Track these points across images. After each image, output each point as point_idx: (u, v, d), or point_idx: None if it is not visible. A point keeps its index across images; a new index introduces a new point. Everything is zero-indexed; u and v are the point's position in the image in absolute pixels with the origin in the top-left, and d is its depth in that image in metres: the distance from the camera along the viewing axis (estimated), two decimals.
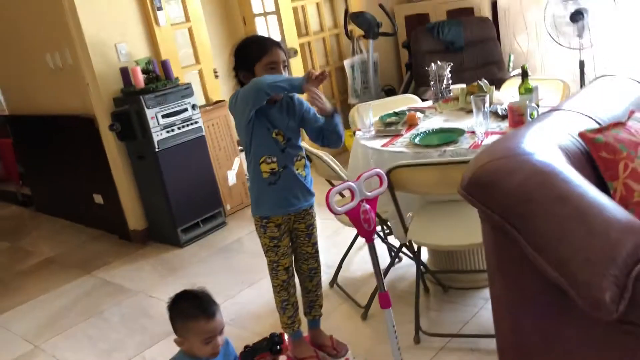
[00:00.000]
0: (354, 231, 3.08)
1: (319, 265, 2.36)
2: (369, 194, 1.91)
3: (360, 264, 3.29)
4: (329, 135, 2.16)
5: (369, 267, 3.08)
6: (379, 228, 3.10)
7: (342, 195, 2.59)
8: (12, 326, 3.31)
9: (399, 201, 2.51)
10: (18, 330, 3.24)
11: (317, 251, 2.33)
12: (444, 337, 2.48)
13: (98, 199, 4.40)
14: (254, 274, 3.34)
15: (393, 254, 2.96)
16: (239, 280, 3.38)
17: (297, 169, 2.20)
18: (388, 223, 2.75)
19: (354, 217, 1.92)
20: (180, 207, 3.97)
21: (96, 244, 4.38)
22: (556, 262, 1.53)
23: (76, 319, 3.26)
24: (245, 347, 1.91)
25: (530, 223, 1.58)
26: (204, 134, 4.08)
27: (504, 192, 1.62)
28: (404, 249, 2.80)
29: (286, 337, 1.92)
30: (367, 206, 1.92)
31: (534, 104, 2.53)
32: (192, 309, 1.75)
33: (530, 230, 1.58)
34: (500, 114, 2.71)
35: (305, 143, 2.41)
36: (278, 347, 1.89)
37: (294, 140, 2.19)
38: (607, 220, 1.49)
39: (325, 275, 3.20)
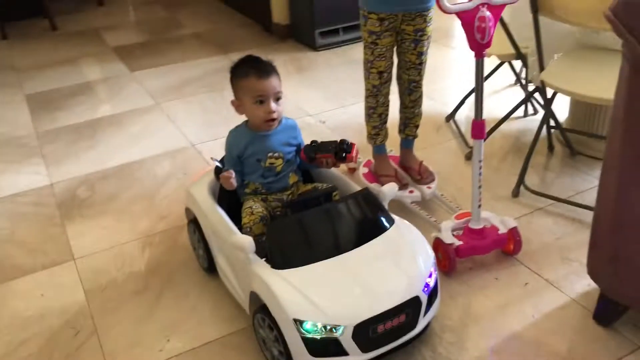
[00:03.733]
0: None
1: (421, 79, 2.08)
2: None
3: (488, 107, 2.94)
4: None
5: (497, 113, 2.73)
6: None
7: None
8: (144, 82, 3.51)
9: (545, 37, 2.10)
10: (148, 87, 3.44)
11: (422, 63, 2.04)
12: (547, 198, 2.17)
13: None
14: None
15: (524, 97, 2.56)
16: (359, 94, 3.19)
17: None
18: (527, 61, 2.35)
19: (467, 22, 1.60)
20: (323, 8, 3.76)
21: (241, 29, 4.41)
22: None
23: (198, 90, 3.37)
24: (312, 141, 1.78)
25: None
26: None
27: None
28: (537, 95, 2.41)
29: (356, 149, 1.74)
30: (488, 13, 1.58)
31: None
32: (247, 68, 1.67)
33: None
34: None
35: None
36: (343, 155, 1.72)
37: None
38: None
39: (447, 108, 2.94)
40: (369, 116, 2.15)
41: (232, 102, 1.73)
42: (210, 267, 1.86)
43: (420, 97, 2.14)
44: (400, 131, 2.23)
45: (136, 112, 3.12)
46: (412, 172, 2.20)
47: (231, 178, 1.65)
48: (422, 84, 2.11)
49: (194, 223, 1.87)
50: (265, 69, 1.67)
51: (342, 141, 1.74)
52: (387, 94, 2.10)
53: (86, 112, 3.16)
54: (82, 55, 4.03)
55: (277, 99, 1.69)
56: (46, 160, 2.69)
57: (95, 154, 2.73)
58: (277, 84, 1.69)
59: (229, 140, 1.78)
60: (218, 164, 1.73)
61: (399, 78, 2.12)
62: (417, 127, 2.21)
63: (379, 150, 2.20)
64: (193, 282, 1.88)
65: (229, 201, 1.81)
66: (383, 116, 2.14)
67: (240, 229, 1.66)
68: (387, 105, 2.13)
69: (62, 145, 2.82)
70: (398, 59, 2.07)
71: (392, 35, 1.98)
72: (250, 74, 1.66)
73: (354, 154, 1.73)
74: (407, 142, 2.24)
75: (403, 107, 2.18)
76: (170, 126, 2.96)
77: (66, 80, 3.59)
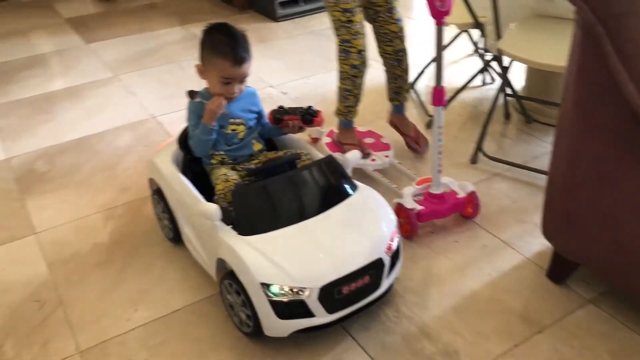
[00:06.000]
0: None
1: (405, 46, 2.09)
2: None
3: (446, 76, 3.00)
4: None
5: (456, 83, 2.79)
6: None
7: None
8: (101, 54, 3.44)
9: (501, 6, 2.15)
10: (105, 59, 3.37)
11: (401, 29, 2.03)
12: (503, 163, 2.24)
13: None
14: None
15: (482, 66, 2.61)
16: (321, 65, 3.23)
17: None
18: (484, 30, 2.39)
19: None
20: None
21: (198, 1, 4.33)
22: None
23: (156, 62, 3.32)
24: (280, 106, 1.81)
25: (628, 26, 1.24)
26: None
27: None
28: (494, 63, 2.47)
29: (322, 115, 1.77)
30: None
31: None
32: (224, 46, 1.62)
33: (624, 35, 1.24)
34: None
35: None
36: (311, 118, 1.76)
37: None
38: None
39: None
40: (344, 98, 2.11)
41: (197, 67, 1.71)
42: (175, 238, 1.87)
43: (408, 63, 2.16)
44: (392, 99, 2.25)
45: (93, 84, 3.06)
46: (409, 140, 2.30)
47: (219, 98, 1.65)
48: (407, 51, 2.13)
49: (158, 194, 1.86)
50: (243, 56, 1.63)
51: (309, 107, 1.78)
52: (365, 75, 2.06)
53: (41, 85, 3.08)
54: (33, 27, 3.91)
55: (242, 81, 1.69)
56: (1, 135, 2.63)
57: (52, 127, 2.68)
58: (248, 69, 1.67)
59: (191, 107, 1.77)
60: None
61: (383, 52, 2.12)
62: (408, 91, 2.26)
63: (347, 124, 2.20)
64: (158, 253, 1.89)
65: (193, 172, 1.81)
66: (359, 96, 2.12)
67: (207, 198, 1.66)
68: (362, 87, 2.10)
69: (17, 119, 2.75)
70: (377, 34, 2.06)
71: (361, 12, 1.97)
72: (227, 57, 1.61)
73: (320, 118, 1.76)
74: (400, 108, 2.27)
75: (393, 78, 2.18)
76: (129, 98, 2.91)
77: (17, 53, 3.48)
